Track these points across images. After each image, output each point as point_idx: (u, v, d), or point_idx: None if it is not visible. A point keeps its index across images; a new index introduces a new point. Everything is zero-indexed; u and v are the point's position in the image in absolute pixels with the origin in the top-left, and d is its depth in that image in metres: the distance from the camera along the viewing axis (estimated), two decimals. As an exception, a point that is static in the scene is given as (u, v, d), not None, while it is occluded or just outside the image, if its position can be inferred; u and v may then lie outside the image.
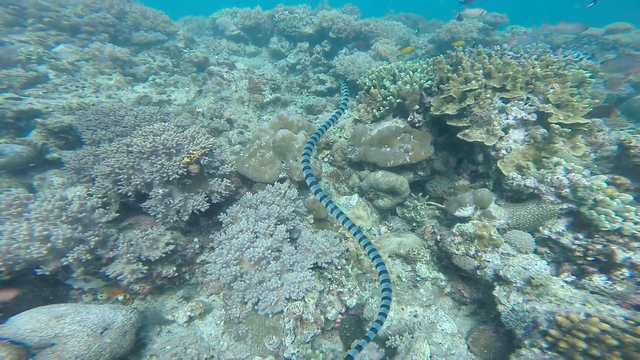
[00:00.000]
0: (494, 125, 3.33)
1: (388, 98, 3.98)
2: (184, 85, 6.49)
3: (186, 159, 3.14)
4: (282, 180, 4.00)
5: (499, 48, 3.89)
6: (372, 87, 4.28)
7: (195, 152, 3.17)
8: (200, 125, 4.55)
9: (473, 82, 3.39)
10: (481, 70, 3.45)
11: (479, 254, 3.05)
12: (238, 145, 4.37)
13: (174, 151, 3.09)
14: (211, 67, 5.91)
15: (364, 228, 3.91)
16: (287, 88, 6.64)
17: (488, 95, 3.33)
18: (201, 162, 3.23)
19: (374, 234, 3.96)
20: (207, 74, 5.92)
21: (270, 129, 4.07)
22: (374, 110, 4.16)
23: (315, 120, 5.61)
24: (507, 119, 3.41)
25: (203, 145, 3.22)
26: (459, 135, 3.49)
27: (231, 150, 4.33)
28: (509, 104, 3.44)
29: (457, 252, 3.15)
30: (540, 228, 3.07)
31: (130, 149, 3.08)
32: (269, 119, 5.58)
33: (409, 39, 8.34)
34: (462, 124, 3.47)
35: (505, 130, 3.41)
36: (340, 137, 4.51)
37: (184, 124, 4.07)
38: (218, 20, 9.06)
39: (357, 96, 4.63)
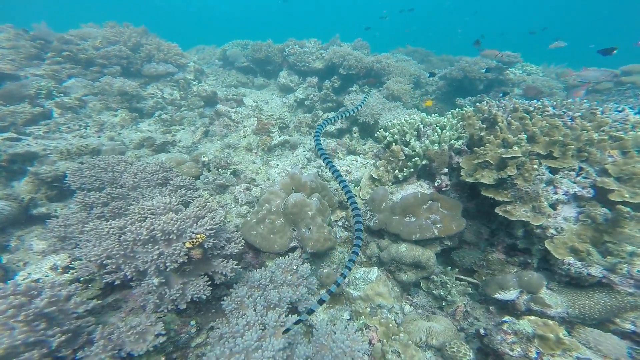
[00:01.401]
0: (541, 202, 2.73)
1: (413, 160, 3.39)
2: (190, 122, 5.97)
3: (188, 244, 2.55)
4: (292, 249, 3.41)
5: (539, 105, 3.28)
6: (393, 143, 3.70)
7: (199, 236, 2.58)
8: (205, 181, 3.97)
9: (515, 147, 2.79)
10: (523, 134, 2.85)
11: (545, 358, 2.39)
12: (245, 207, 3.77)
13: (175, 237, 2.50)
14: (219, 107, 5.38)
15: (385, 306, 3.29)
16: (295, 128, 6.09)
17: (535, 167, 2.72)
18: (205, 245, 2.64)
19: (396, 312, 3.32)
20: (214, 114, 5.38)
21: (281, 191, 3.49)
22: (396, 170, 3.57)
23: (327, 172, 5.02)
24: (556, 193, 2.81)
25: (209, 227, 2.63)
26: (499, 212, 2.88)
27: (237, 211, 3.73)
28: (557, 175, 2.83)
29: (511, 353, 2.50)
30: (618, 320, 2.43)
31: (123, 235, 2.49)
32: (277, 164, 5.01)
33: (419, 76, 7.84)
34: (502, 198, 2.87)
35: (554, 205, 2.80)
36: (355, 195, 3.91)
37: (186, 182, 3.49)
38: (229, 52, 8.62)
39: (375, 150, 4.04)
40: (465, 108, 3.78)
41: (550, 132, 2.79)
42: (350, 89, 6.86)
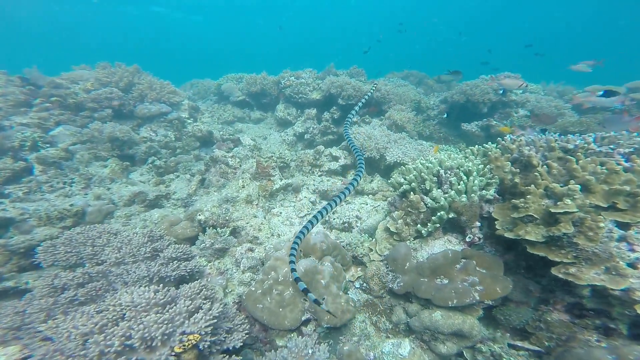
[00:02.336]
0: (616, 263, 2.20)
1: (438, 214, 2.89)
2: (185, 168, 5.49)
3: (178, 349, 1.99)
4: (305, 322, 2.85)
5: (582, 144, 2.77)
6: (411, 192, 3.21)
7: (192, 338, 2.02)
8: (202, 246, 3.43)
9: (567, 200, 2.30)
10: (575, 184, 2.36)
11: None
12: (248, 273, 3.22)
13: (159, 343, 1.95)
14: (215, 153, 4.92)
15: None
16: (297, 167, 5.63)
17: (601, 225, 2.20)
18: (200, 346, 2.08)
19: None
20: (210, 160, 4.91)
21: (288, 256, 2.96)
22: (418, 224, 3.06)
23: (335, 218, 4.51)
24: (633, 250, 2.28)
25: (205, 324, 2.08)
26: (558, 274, 2.34)
27: (239, 279, 3.18)
28: (631, 231, 2.32)
29: None
30: None
31: (88, 342, 1.93)
32: (280, 212, 4.50)
33: (419, 101, 7.51)
34: (559, 258, 2.34)
35: (633, 265, 2.27)
36: (371, 250, 3.38)
37: (179, 253, 2.95)
38: (223, 87, 8.31)
39: (390, 198, 3.54)
40: (487, 145, 3.34)
41: (609, 179, 2.31)
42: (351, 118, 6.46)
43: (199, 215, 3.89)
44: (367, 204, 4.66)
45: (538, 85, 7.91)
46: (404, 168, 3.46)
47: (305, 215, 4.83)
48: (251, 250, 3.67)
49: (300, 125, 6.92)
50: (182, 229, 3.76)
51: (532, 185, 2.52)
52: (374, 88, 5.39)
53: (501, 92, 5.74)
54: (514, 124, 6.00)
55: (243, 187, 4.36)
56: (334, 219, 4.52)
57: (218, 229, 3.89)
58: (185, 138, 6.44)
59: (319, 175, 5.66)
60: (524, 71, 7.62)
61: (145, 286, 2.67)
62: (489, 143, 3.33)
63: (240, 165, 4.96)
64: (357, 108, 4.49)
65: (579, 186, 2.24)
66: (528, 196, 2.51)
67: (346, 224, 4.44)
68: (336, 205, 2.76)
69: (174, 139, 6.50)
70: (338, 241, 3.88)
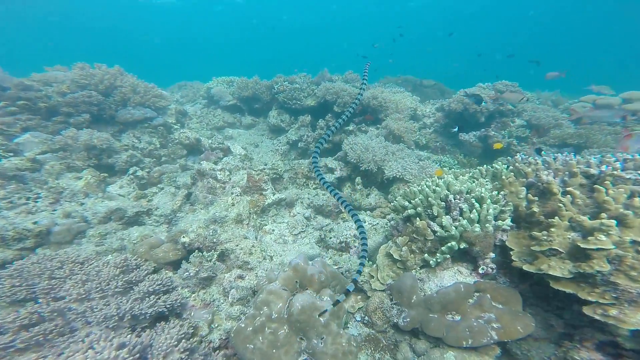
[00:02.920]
0: None
1: (448, 245, 2.60)
2: (170, 180, 5.05)
3: None
4: (302, 365, 2.50)
5: (609, 170, 2.48)
6: (416, 218, 2.91)
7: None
8: (185, 276, 3.03)
9: (601, 236, 2.03)
10: (608, 218, 2.09)
11: None
12: (238, 306, 2.84)
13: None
14: (203, 166, 4.51)
15: None
16: (290, 180, 5.28)
17: None
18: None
19: None
20: (197, 174, 4.50)
21: (283, 289, 2.61)
22: (425, 254, 2.76)
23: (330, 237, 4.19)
24: None
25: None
26: (595, 315, 2.07)
27: (227, 312, 2.80)
28: None
29: None
30: None
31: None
32: (273, 230, 4.15)
33: (415, 108, 7.28)
34: (592, 298, 2.07)
35: None
36: (372, 277, 3.06)
37: (158, 286, 2.55)
38: (213, 90, 7.87)
39: (392, 222, 3.24)
40: (497, 166, 3.07)
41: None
42: (347, 128, 6.17)
43: (183, 237, 3.49)
44: (365, 222, 4.35)
45: (532, 93, 7.80)
46: (407, 190, 3.16)
47: (299, 233, 4.49)
48: (241, 277, 3.29)
49: (294, 133, 6.58)
50: (163, 253, 3.35)
51: (556, 218, 2.25)
52: (360, 97, 4.89)
53: (472, 97, 5.57)
54: (504, 139, 5.80)
55: (233, 204, 3.98)
56: (330, 237, 4.20)
57: (204, 252, 3.50)
58: (171, 145, 5.99)
59: (314, 188, 5.32)
60: (516, 79, 7.52)
61: (113, 327, 2.28)
62: (499, 163, 3.07)
63: (230, 178, 4.57)
64: (337, 124, 4.01)
65: (614, 221, 1.97)
66: (552, 229, 2.24)
67: (343, 244, 4.12)
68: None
69: (159, 146, 6.04)
70: (336, 266, 3.56)
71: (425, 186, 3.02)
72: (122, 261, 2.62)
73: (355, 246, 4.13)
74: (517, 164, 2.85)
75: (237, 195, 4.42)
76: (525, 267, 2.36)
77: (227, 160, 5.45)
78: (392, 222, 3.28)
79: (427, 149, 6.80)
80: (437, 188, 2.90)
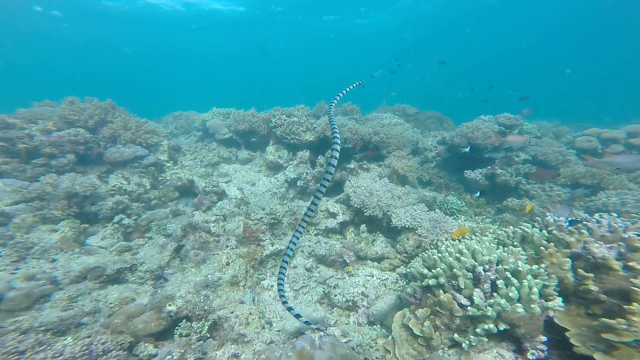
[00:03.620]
0: None
1: (485, 327, 2.20)
2: (159, 228, 4.62)
3: None
4: None
5: None
6: (439, 289, 2.52)
7: None
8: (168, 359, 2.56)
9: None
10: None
11: None
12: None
13: None
14: (195, 218, 4.11)
15: None
16: (290, 225, 4.89)
17: None
18: None
19: None
20: (188, 227, 4.08)
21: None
22: (454, 333, 2.36)
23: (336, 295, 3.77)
24: None
25: None
26: None
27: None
28: None
29: None
30: None
31: None
32: (271, 285, 3.70)
33: (417, 141, 7.05)
34: None
35: None
36: (388, 352, 2.62)
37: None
38: (209, 123, 7.57)
39: (409, 289, 2.84)
40: (526, 229, 2.73)
41: None
42: (348, 165, 5.86)
43: (170, 305, 3.03)
44: (372, 276, 3.94)
45: (532, 124, 7.67)
46: (426, 256, 2.79)
47: (300, 289, 4.05)
48: (236, 357, 2.83)
49: (292, 170, 6.24)
50: (144, 323, 2.88)
51: (635, 304, 1.89)
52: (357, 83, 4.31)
53: (468, 149, 5.43)
54: (511, 177, 5.53)
55: (227, 264, 3.55)
56: (335, 295, 3.78)
57: (193, 322, 3.04)
58: (162, 187, 5.59)
59: (315, 234, 4.93)
60: (515, 109, 7.41)
61: None
62: (529, 227, 2.73)
63: (225, 229, 4.16)
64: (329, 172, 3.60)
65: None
66: (632, 317, 1.88)
67: (350, 303, 3.70)
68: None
69: (149, 187, 5.63)
70: (345, 339, 3.12)
71: (446, 253, 2.65)
72: (85, 347, 2.14)
73: (363, 305, 3.71)
74: (555, 232, 2.51)
75: (232, 248, 4.00)
76: (598, 357, 1.95)
77: (222, 204, 5.06)
78: (408, 289, 2.88)
79: (430, 185, 6.50)
80: (463, 257, 2.54)
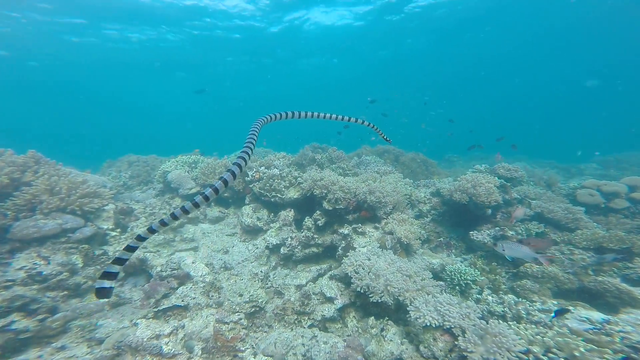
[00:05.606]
0: None
1: None
2: (85, 330, 3.17)
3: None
4: None
5: None
6: None
7: None
8: None
9: None
10: None
11: None
12: None
13: None
14: (137, 337, 2.78)
15: None
16: (276, 316, 3.69)
17: None
18: None
19: None
20: (126, 349, 2.72)
21: None
22: None
23: None
24: None
25: None
26: None
27: None
28: None
29: None
30: None
31: None
32: None
33: (411, 194, 6.33)
34: None
35: None
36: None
37: None
38: (171, 176, 6.29)
39: None
40: None
41: None
42: (341, 230, 4.87)
43: None
44: None
45: (522, 172, 7.35)
46: None
47: None
48: None
49: (274, 235, 5.10)
50: None
51: None
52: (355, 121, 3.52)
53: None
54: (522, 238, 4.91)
55: None
56: None
57: None
58: (100, 267, 4.14)
59: (309, 326, 3.74)
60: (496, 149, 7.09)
61: None
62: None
63: (184, 344, 2.84)
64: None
65: None
66: None
67: None
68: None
69: (81, 265, 4.16)
70: None
71: None
72: None
73: None
74: None
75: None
76: None
77: (184, 291, 3.74)
78: None
79: (427, 243, 5.68)
80: None
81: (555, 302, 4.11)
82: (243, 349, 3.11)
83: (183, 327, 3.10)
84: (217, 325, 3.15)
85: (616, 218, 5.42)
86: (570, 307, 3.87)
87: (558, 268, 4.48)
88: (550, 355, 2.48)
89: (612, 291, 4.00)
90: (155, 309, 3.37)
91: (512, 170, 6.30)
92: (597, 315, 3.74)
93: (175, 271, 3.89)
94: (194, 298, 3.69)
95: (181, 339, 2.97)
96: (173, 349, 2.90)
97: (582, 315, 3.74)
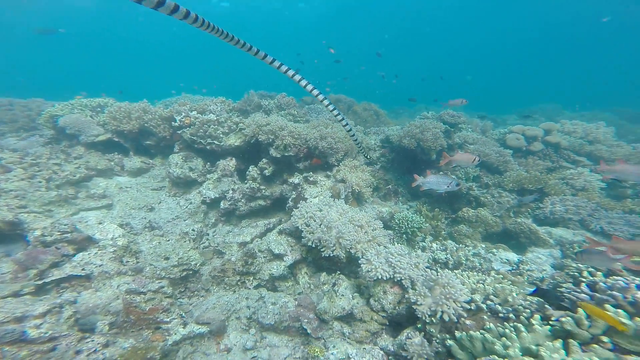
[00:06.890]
0: None
1: None
2: None
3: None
4: None
5: None
6: None
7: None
8: None
9: None
10: None
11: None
12: None
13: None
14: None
15: None
16: (214, 279, 3.23)
17: None
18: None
19: None
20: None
21: None
22: None
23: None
24: None
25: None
26: None
27: None
28: None
29: None
30: None
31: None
32: None
33: (362, 141, 6.02)
34: None
35: None
36: None
37: None
38: (63, 120, 4.72)
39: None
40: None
41: None
42: (291, 179, 4.37)
43: None
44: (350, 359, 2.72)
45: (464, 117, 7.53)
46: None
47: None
48: None
49: (211, 187, 4.36)
50: None
51: None
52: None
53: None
54: (464, 183, 5.09)
55: None
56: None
57: None
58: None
59: (256, 287, 3.38)
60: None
61: None
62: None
63: (74, 322, 2.20)
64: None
65: None
66: None
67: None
68: None
69: None
70: None
71: None
72: None
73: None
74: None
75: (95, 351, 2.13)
76: None
77: (87, 258, 2.93)
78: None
79: (377, 192, 5.62)
80: None
81: (483, 246, 4.28)
82: (167, 319, 2.60)
83: (74, 302, 2.40)
84: (127, 296, 2.52)
85: (533, 160, 6.00)
86: (494, 250, 4.07)
87: (488, 211, 4.81)
88: (488, 302, 2.55)
89: (525, 232, 4.28)
90: (39, 282, 2.55)
91: (456, 116, 6.39)
92: (512, 256, 3.98)
93: (67, 235, 2.98)
94: (100, 265, 2.92)
95: (68, 318, 2.30)
96: (50, 332, 2.22)
97: (503, 257, 3.98)
